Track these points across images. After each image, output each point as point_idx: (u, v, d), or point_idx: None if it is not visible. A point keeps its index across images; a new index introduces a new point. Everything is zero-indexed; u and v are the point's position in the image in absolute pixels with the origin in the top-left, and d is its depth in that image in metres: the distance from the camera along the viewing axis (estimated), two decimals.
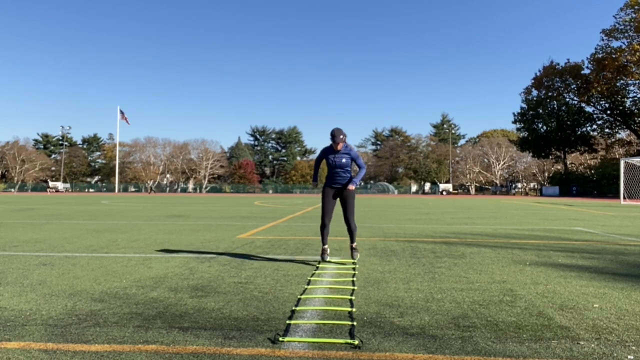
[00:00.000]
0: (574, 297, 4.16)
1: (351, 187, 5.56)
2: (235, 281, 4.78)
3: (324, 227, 5.78)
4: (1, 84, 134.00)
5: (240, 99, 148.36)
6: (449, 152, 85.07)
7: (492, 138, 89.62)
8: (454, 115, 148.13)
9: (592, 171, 62.04)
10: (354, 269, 5.44)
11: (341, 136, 5.55)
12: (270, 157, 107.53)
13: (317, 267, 5.54)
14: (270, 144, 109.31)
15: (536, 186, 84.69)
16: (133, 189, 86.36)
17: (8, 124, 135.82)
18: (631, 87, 54.22)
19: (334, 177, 5.74)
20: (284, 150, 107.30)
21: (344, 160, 5.67)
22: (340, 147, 5.62)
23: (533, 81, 60.74)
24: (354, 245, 5.92)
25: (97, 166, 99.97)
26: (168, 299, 4.02)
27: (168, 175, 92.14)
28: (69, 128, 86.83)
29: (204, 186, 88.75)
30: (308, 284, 4.65)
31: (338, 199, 5.83)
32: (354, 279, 4.86)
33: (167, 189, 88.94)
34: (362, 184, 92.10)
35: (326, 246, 5.84)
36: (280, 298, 4.09)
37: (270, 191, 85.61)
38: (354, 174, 5.92)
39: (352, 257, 5.86)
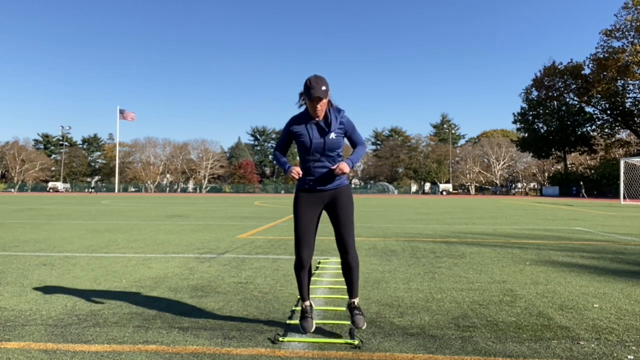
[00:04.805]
0: (574, 297, 4.16)
1: (343, 167, 3.00)
2: (235, 281, 4.78)
3: (300, 267, 3.18)
4: (1, 84, 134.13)
5: (240, 99, 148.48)
6: (449, 152, 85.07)
7: (492, 138, 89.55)
8: (454, 115, 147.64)
9: (592, 171, 62.06)
10: None
11: (323, 87, 2.96)
12: (270, 157, 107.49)
13: (317, 267, 5.53)
14: (270, 144, 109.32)
15: (536, 186, 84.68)
16: (133, 189, 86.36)
17: (8, 124, 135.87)
18: (631, 88, 54.22)
19: (312, 171, 3.12)
20: None
21: (332, 136, 3.06)
22: (322, 109, 3.03)
23: (533, 81, 60.75)
24: (356, 301, 3.25)
25: (97, 166, 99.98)
26: (168, 299, 4.03)
27: (168, 175, 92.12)
28: (69, 128, 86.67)
29: (204, 186, 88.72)
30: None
31: (323, 210, 3.25)
32: None
33: (167, 189, 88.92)
34: (362, 183, 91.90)
35: (308, 302, 3.26)
36: (280, 298, 4.09)
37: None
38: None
39: (354, 323, 3.13)
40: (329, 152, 3.08)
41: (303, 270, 3.19)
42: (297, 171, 3.02)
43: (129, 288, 4.45)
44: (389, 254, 6.68)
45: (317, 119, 3.08)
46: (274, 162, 3.24)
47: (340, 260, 3.26)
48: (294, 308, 3.74)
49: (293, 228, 3.19)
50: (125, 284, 4.62)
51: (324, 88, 2.95)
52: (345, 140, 3.25)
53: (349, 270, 3.20)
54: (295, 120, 3.13)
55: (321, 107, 3.00)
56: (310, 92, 2.93)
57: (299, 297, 4.09)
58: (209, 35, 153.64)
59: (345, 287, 3.34)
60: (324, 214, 3.32)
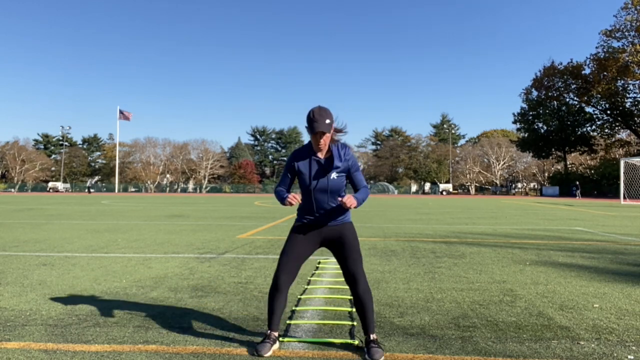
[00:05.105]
0: (574, 297, 4.16)
1: (351, 201, 2.79)
2: (235, 281, 4.78)
3: (275, 291, 2.97)
4: (1, 84, 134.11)
5: (240, 99, 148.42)
6: (449, 152, 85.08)
7: (492, 138, 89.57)
8: (454, 115, 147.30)
9: (592, 171, 62.10)
10: None
11: (327, 121, 2.78)
12: (270, 157, 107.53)
13: (317, 267, 5.54)
14: (270, 144, 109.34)
15: (536, 186, 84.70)
16: (133, 189, 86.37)
17: (8, 124, 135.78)
18: (631, 88, 54.24)
19: (313, 209, 2.94)
20: (284, 150, 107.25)
21: (334, 175, 2.89)
22: (325, 143, 2.86)
23: (533, 81, 60.75)
24: (372, 336, 2.86)
25: (97, 166, 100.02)
26: (168, 299, 4.03)
27: (168, 176, 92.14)
28: (69, 128, 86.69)
29: (204, 186, 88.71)
30: (308, 284, 4.65)
31: (319, 247, 3.06)
32: None
33: (167, 189, 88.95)
34: None
35: (275, 333, 2.93)
36: None
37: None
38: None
39: (369, 354, 2.72)
40: (330, 192, 2.90)
41: (277, 296, 2.92)
42: (293, 195, 2.81)
43: (129, 288, 4.45)
44: (389, 254, 6.68)
45: (320, 154, 2.90)
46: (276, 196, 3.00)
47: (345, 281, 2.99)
48: (294, 308, 3.74)
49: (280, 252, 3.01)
50: (125, 284, 4.62)
51: (328, 121, 2.76)
52: None
53: (361, 306, 2.89)
54: (297, 156, 2.95)
55: (324, 142, 2.83)
56: (314, 125, 2.74)
57: (299, 296, 4.09)
58: (209, 35, 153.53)
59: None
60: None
